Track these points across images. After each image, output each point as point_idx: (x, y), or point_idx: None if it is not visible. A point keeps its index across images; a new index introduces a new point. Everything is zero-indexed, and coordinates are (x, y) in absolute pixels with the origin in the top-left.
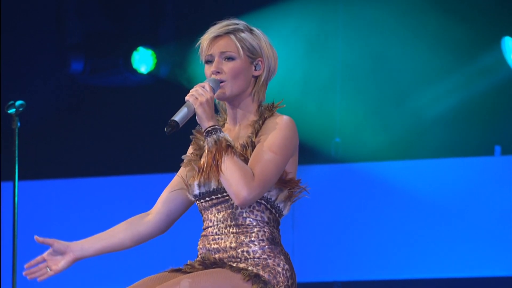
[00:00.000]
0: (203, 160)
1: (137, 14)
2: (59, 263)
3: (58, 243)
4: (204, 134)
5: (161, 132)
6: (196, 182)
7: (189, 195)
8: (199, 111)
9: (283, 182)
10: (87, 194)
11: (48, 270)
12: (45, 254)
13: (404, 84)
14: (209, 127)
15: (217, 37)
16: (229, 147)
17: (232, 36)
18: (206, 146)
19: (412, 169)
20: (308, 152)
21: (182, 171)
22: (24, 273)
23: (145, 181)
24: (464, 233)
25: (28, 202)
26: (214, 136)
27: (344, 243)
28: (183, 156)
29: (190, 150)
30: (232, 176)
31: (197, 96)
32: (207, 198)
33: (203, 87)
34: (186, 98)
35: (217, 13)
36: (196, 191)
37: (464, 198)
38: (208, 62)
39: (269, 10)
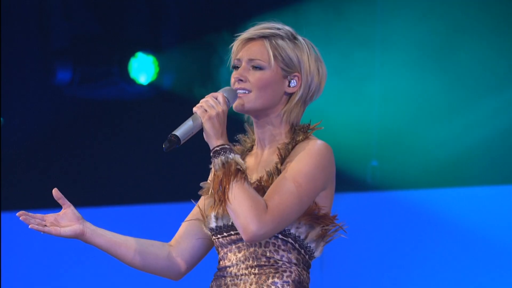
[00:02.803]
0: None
1: (135, 14)
2: (64, 228)
3: (74, 210)
4: (211, 154)
5: (167, 155)
6: (213, 214)
7: (204, 228)
8: (207, 126)
9: (315, 218)
10: None
11: (45, 227)
12: (46, 215)
13: (453, 98)
14: (217, 146)
15: (250, 40)
16: (239, 171)
17: (266, 42)
18: (213, 169)
19: (464, 198)
20: (339, 177)
21: (202, 201)
22: (18, 213)
23: (148, 212)
24: None
25: (13, 236)
26: (222, 157)
27: (382, 287)
28: (202, 183)
29: (212, 176)
30: (240, 206)
31: (207, 108)
32: (225, 234)
33: (216, 98)
34: (194, 109)
35: (229, 12)
36: (213, 224)
37: None
38: (236, 67)
39: (290, 11)
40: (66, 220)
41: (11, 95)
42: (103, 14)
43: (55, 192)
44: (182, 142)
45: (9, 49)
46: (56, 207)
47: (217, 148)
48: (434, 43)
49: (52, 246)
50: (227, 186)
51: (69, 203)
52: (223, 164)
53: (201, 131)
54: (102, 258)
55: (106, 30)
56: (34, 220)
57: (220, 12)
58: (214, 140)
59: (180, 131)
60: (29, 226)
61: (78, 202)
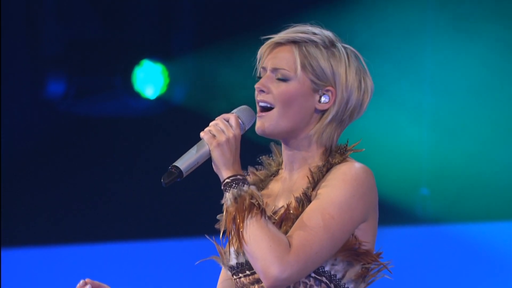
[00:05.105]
0: None
1: (141, 15)
2: None
3: None
4: (222, 187)
5: (178, 181)
6: (232, 249)
7: (223, 267)
8: (215, 154)
9: (355, 254)
10: (78, 265)
11: None
12: None
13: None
14: (228, 178)
15: (278, 45)
16: (254, 206)
17: (296, 48)
18: (224, 205)
19: None
20: (383, 208)
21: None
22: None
23: (158, 249)
24: None
25: (13, 274)
26: (234, 190)
27: None
28: (219, 216)
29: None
30: (258, 247)
31: (215, 133)
32: (248, 272)
33: (227, 121)
34: (201, 134)
35: (251, 13)
36: (233, 261)
37: None
38: (261, 77)
39: (319, 15)
40: None
41: None
42: (103, 15)
43: (89, 281)
44: (184, 175)
45: None
46: (55, 243)
47: (228, 180)
48: (486, 67)
49: (53, 283)
50: (241, 224)
51: (105, 285)
52: (235, 198)
53: (209, 160)
54: None
55: (106, 34)
56: None
57: (241, 13)
58: (224, 171)
59: (183, 162)
60: None
61: (77, 239)
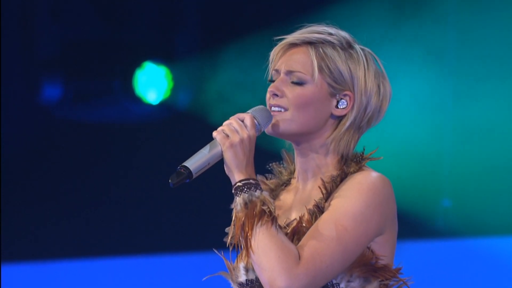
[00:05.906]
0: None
1: (142, 14)
2: None
3: None
4: (233, 191)
5: (183, 192)
6: (242, 264)
7: (232, 284)
8: (228, 156)
9: (373, 270)
10: (79, 280)
11: None
12: None
13: None
14: (240, 181)
15: (292, 46)
16: (265, 213)
17: (312, 50)
18: (234, 210)
19: None
20: (403, 221)
21: None
22: None
23: (160, 264)
24: None
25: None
26: (245, 195)
27: None
28: (227, 229)
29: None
30: (265, 257)
31: (229, 133)
32: None
33: (242, 121)
34: (214, 134)
35: (261, 12)
36: (242, 278)
37: None
38: (273, 81)
39: (322, 14)
40: None
41: None
42: (101, 14)
43: None
44: (194, 176)
45: None
46: (56, 257)
47: (239, 184)
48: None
49: None
50: (249, 232)
51: None
52: (245, 203)
53: (221, 162)
54: None
55: (105, 34)
56: None
57: (246, 14)
58: (236, 173)
59: (192, 162)
60: None
61: (79, 253)
